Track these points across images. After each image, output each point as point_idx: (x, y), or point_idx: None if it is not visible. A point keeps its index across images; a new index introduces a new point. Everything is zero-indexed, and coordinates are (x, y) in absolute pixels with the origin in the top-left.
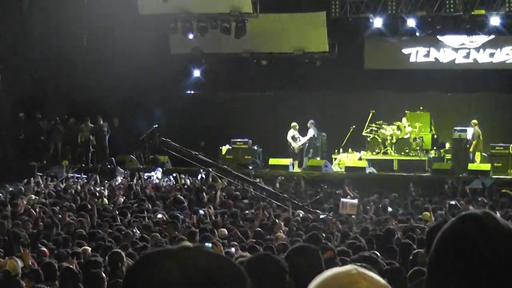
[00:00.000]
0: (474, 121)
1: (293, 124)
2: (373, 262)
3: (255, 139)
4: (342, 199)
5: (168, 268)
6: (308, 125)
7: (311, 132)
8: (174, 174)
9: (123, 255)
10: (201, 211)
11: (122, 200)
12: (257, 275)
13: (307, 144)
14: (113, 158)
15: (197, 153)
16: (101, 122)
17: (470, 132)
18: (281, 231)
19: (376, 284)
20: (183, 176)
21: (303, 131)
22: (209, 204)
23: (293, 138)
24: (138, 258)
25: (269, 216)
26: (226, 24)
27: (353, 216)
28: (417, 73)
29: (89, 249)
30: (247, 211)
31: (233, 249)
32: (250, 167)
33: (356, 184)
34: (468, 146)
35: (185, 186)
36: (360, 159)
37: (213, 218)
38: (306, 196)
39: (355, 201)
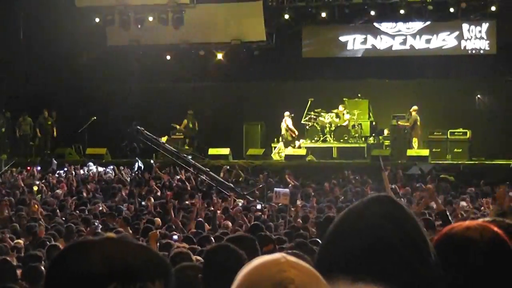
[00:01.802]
0: (414, 107)
1: (287, 113)
2: (307, 250)
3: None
4: (276, 189)
5: (91, 259)
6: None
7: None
8: (111, 166)
9: (60, 248)
10: (143, 203)
11: (62, 193)
12: (217, 265)
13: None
14: (49, 152)
15: (164, 142)
16: (46, 115)
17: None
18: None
19: (305, 272)
20: (122, 168)
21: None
22: (150, 195)
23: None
24: (64, 248)
25: (212, 206)
26: (164, 15)
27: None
28: (355, 61)
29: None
30: (187, 202)
31: (175, 237)
32: (190, 157)
33: (296, 173)
34: (406, 132)
35: (127, 177)
36: (299, 147)
37: (153, 208)
38: (247, 185)
39: (287, 190)
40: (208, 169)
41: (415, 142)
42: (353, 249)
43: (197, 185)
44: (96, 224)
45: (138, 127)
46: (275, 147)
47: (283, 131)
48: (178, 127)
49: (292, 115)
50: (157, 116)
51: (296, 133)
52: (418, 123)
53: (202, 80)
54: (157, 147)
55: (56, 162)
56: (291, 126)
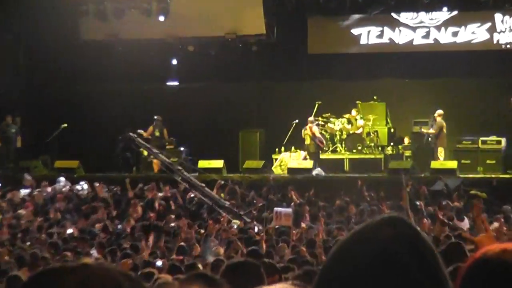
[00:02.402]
0: (439, 111)
1: (311, 118)
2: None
3: (181, 138)
4: (276, 209)
5: (66, 286)
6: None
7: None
8: (83, 182)
9: (23, 279)
10: (119, 226)
11: (27, 213)
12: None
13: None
14: (12, 165)
15: (158, 153)
16: (9, 122)
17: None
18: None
19: None
20: (97, 184)
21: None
22: (130, 216)
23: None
24: (32, 275)
25: (203, 228)
26: (146, 4)
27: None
28: (370, 57)
29: None
30: (173, 224)
31: (159, 263)
32: (178, 167)
33: (301, 189)
34: (430, 140)
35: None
36: (305, 159)
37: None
38: (244, 204)
39: (289, 210)
40: (203, 184)
41: (440, 152)
42: (359, 274)
43: (185, 203)
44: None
45: (131, 134)
46: (276, 159)
47: (307, 141)
48: (144, 134)
49: (316, 122)
50: (140, 121)
51: (324, 143)
52: (444, 130)
53: (191, 80)
54: (152, 158)
55: (29, 177)
56: (318, 135)
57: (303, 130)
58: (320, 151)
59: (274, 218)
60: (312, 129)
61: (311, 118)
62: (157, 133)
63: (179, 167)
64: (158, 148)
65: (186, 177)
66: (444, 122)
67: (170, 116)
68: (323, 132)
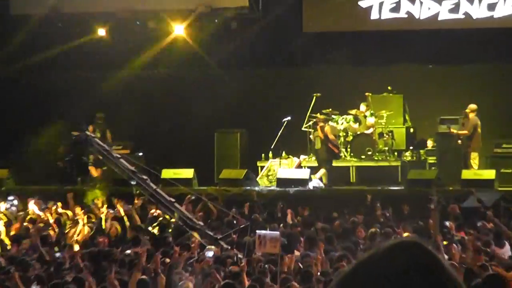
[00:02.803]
0: (473, 106)
1: (322, 115)
2: None
3: (138, 140)
4: (259, 232)
5: None
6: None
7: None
8: (12, 198)
9: None
10: (58, 254)
11: None
12: None
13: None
14: None
15: (119, 155)
16: None
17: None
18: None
19: None
20: (32, 201)
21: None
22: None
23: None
24: None
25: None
26: None
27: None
28: (382, 37)
29: None
30: (128, 251)
31: None
32: (133, 182)
33: (295, 205)
34: (460, 143)
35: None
36: (299, 167)
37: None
38: (221, 225)
39: (276, 233)
40: (172, 199)
41: (474, 158)
42: None
43: (146, 224)
44: None
45: (88, 133)
46: (262, 167)
47: (318, 145)
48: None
49: (328, 120)
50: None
51: (339, 148)
52: (479, 130)
53: (152, 66)
54: (110, 164)
55: (12, 198)
56: (332, 137)
57: (312, 131)
58: (333, 159)
59: (257, 244)
60: (324, 129)
61: (321, 115)
62: (98, 134)
63: (145, 177)
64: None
65: (152, 189)
66: (479, 120)
67: (121, 111)
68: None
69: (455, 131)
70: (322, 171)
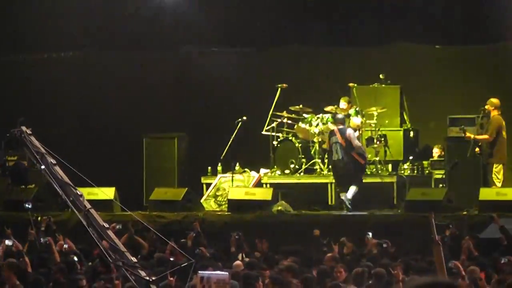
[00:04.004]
0: (494, 100)
1: (340, 116)
2: None
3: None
4: (201, 273)
5: None
6: None
7: None
8: None
9: None
10: None
11: None
12: None
13: None
14: None
15: (54, 162)
16: None
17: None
18: None
19: None
20: None
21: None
22: None
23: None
24: None
25: None
26: None
27: None
28: (371, 6)
29: None
30: None
31: None
32: (28, 205)
33: (251, 236)
34: (479, 151)
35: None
36: (259, 184)
37: None
38: (154, 262)
39: (225, 274)
40: (106, 225)
41: (497, 172)
42: None
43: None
44: None
45: (23, 129)
46: (209, 185)
47: (337, 154)
48: None
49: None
50: None
51: (366, 157)
52: (504, 133)
53: (55, 47)
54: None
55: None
56: (358, 143)
57: (330, 136)
58: (362, 171)
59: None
60: (346, 134)
61: (340, 115)
62: None
63: (80, 193)
64: None
65: (85, 210)
66: (504, 121)
67: (24, 107)
68: (290, 138)
69: (472, 135)
70: (353, 189)
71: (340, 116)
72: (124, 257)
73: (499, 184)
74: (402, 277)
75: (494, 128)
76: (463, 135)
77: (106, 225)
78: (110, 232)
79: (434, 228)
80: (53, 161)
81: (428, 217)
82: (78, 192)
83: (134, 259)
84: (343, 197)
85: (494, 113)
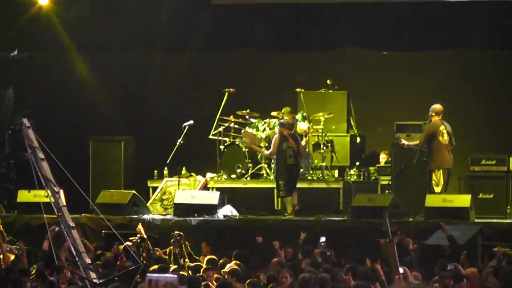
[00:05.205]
0: (436, 106)
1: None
2: None
3: None
4: (149, 276)
5: None
6: None
7: None
8: None
9: None
10: None
11: None
12: None
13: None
14: None
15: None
16: None
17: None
18: None
19: None
20: None
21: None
22: None
23: None
24: None
25: None
26: None
27: None
28: (319, 11)
29: None
30: None
31: None
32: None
33: (197, 242)
34: (425, 158)
35: None
36: (205, 188)
37: None
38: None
39: (173, 277)
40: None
41: (437, 178)
42: None
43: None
44: None
45: (24, 122)
46: (155, 188)
47: (290, 158)
48: None
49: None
50: None
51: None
52: (441, 138)
53: None
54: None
55: None
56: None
57: (280, 141)
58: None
59: None
60: (298, 139)
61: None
62: None
63: (57, 189)
64: None
65: (58, 207)
66: (446, 126)
67: None
68: (236, 142)
69: (406, 142)
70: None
71: (287, 121)
72: (81, 257)
73: (437, 189)
74: (353, 283)
75: (425, 134)
76: (398, 141)
77: (73, 224)
78: (74, 232)
79: (388, 224)
80: (42, 156)
81: (382, 215)
82: (56, 189)
83: (89, 260)
84: (291, 203)
85: (435, 119)
